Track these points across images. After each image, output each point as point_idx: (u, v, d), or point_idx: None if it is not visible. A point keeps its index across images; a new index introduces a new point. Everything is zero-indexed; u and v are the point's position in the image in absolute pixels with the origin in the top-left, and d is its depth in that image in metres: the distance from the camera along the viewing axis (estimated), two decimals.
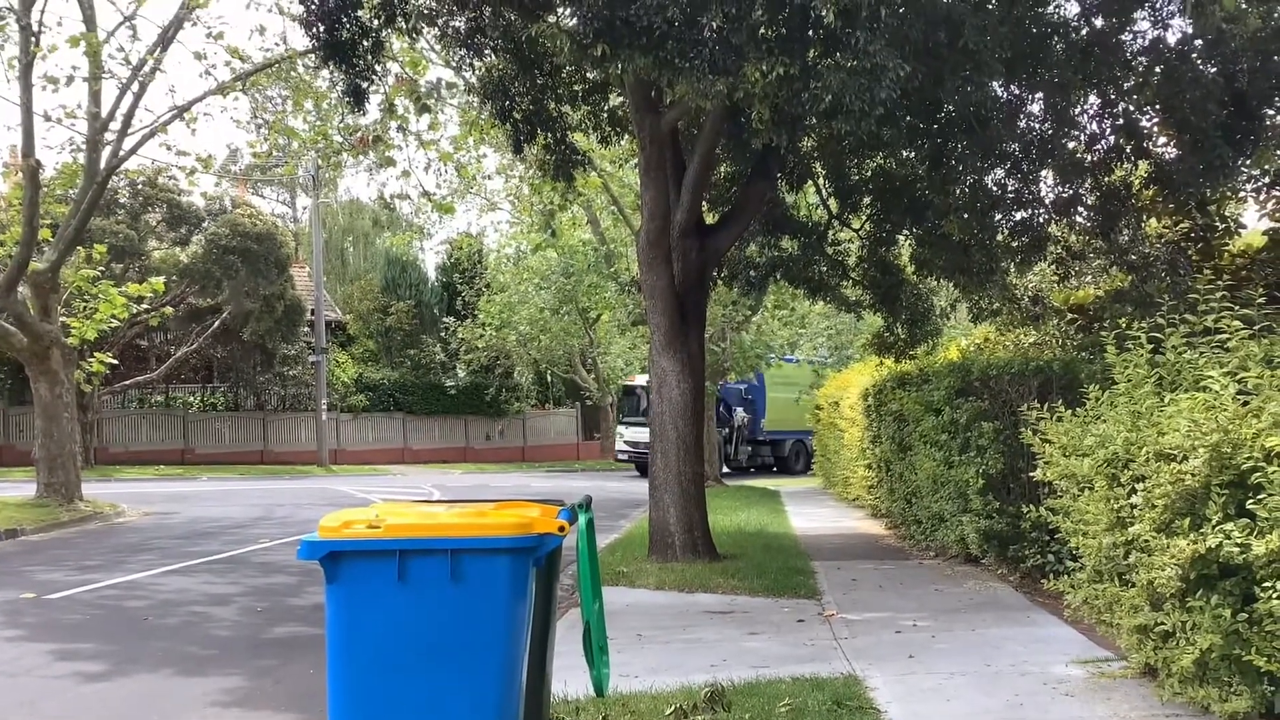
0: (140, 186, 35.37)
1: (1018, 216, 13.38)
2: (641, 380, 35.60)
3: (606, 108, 15.44)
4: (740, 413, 37.86)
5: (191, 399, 41.89)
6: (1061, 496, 7.37)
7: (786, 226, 15.93)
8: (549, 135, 14.63)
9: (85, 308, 22.22)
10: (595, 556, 5.59)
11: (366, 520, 4.18)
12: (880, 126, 9.23)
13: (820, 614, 10.17)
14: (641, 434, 33.40)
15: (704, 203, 16.40)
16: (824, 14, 8.03)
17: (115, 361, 26.56)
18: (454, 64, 15.96)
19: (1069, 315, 15.60)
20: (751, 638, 9.21)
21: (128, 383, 37.15)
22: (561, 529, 4.30)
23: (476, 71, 14.80)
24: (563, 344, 40.46)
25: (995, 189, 13.70)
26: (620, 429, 37.59)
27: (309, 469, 38.53)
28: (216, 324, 36.77)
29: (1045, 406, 7.76)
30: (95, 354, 23.57)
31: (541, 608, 5.15)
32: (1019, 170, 12.71)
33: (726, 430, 36.35)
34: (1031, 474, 8.57)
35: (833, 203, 16.46)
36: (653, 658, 8.44)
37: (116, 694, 7.70)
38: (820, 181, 16.32)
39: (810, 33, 8.61)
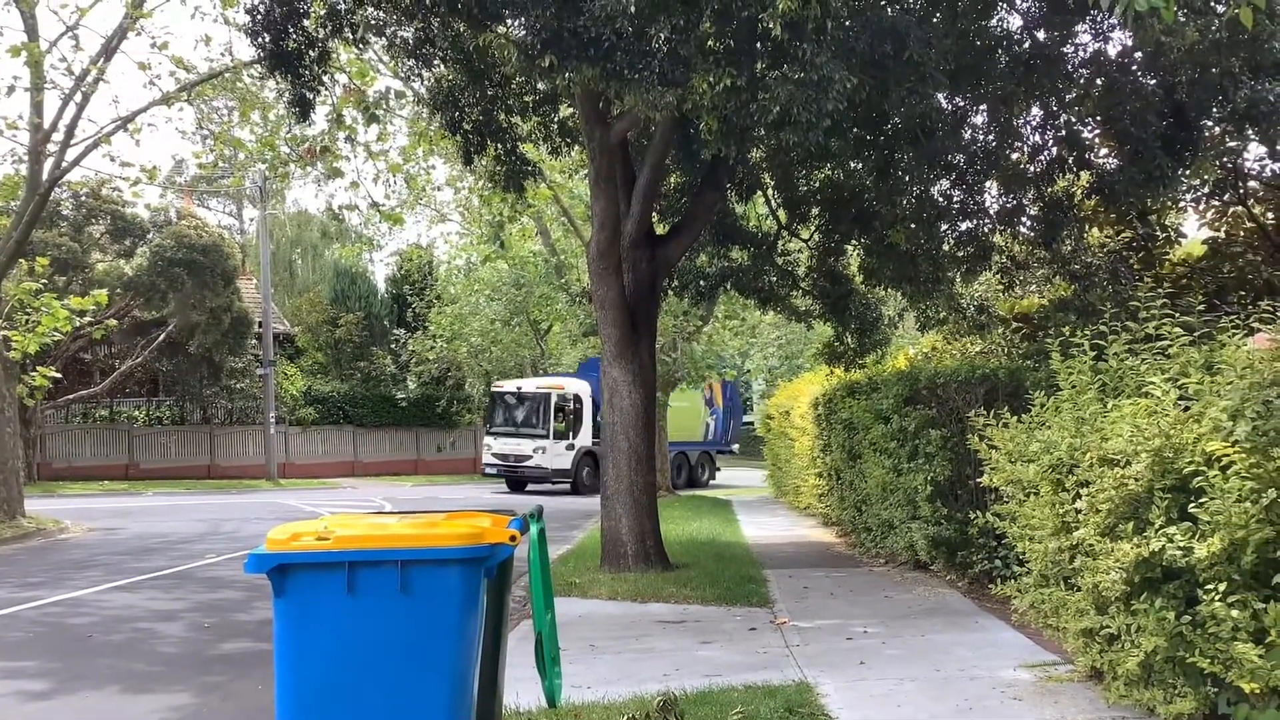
0: (84, 198, 34.86)
1: (963, 227, 13.55)
2: (511, 385, 34.47)
3: (556, 119, 15.46)
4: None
5: (136, 413, 41.29)
6: (1008, 502, 7.46)
7: (736, 237, 16.03)
8: (499, 146, 14.63)
9: (27, 321, 21.85)
10: (547, 567, 5.58)
11: (315, 532, 4.15)
12: (828, 138, 9.32)
13: (772, 622, 10.21)
14: (514, 446, 32.49)
15: (654, 213, 16.47)
16: (771, 26, 8.10)
17: (58, 375, 26.10)
18: (403, 74, 15.90)
19: (1014, 324, 15.81)
20: (704, 646, 9.23)
21: (71, 397, 36.55)
22: (513, 538, 4.29)
23: (425, 82, 14.77)
24: (514, 355, 40.35)
25: (941, 199, 13.87)
26: (487, 440, 34.10)
27: (257, 483, 38.11)
28: (162, 337, 36.29)
29: (991, 413, 7.85)
30: (38, 368, 23.16)
31: (493, 618, 5.14)
32: (964, 181, 12.87)
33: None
34: (979, 480, 8.67)
35: (782, 213, 16.57)
36: (605, 668, 8.43)
37: (61, 713, 7.57)
38: (769, 192, 16.42)
39: (758, 45, 8.68)
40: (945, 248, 13.92)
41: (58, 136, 19.60)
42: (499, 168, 15.00)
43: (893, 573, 12.97)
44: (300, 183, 39.21)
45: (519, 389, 33.90)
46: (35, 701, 7.83)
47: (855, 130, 12.19)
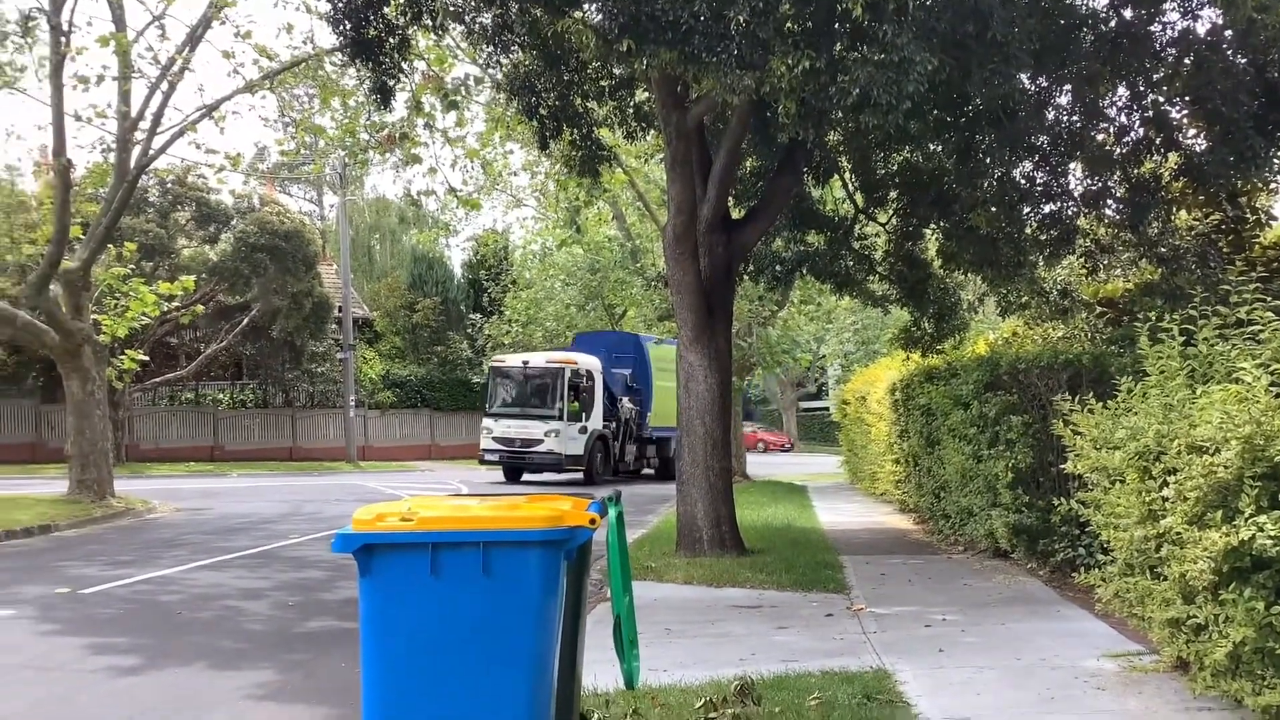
0: (170, 185, 35.64)
1: (1046, 209, 13.31)
2: (516, 360, 30.52)
3: (633, 103, 15.45)
4: (627, 404, 31.16)
5: (221, 396, 42.18)
6: (1093, 490, 7.33)
7: (813, 221, 15.92)
8: (575, 131, 14.67)
9: (116, 305, 22.40)
10: (625, 551, 5.61)
11: (399, 514, 4.21)
12: (908, 120, 9.21)
13: (849, 608, 10.15)
14: (520, 429, 28.80)
15: (730, 197, 16.43)
16: (851, 7, 8.02)
17: (146, 359, 26.76)
18: (481, 61, 16.00)
19: (1098, 308, 15.51)
20: (780, 632, 9.21)
21: (158, 380, 37.43)
22: (592, 522, 4.32)
23: (503, 68, 14.85)
24: None
25: (1024, 182, 13.63)
26: (487, 423, 29.72)
27: (337, 465, 38.73)
28: (245, 321, 37.02)
29: (1076, 399, 7.72)
30: (126, 351, 23.76)
31: (572, 601, 5.17)
32: (1048, 163, 12.64)
33: (614, 424, 30.62)
34: (1062, 467, 8.53)
35: (859, 197, 16.42)
36: (681, 652, 8.45)
37: (149, 688, 7.76)
38: (847, 176, 16.28)
39: (837, 26, 8.59)
40: (1028, 231, 13.69)
41: (144, 125, 20.04)
42: (574, 153, 15.05)
43: (971, 560, 12.83)
44: (379, 169, 39.69)
45: (526, 364, 29.90)
46: (126, 677, 8.04)
47: (935, 112, 12.02)
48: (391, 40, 13.26)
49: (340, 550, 4.17)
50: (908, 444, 16.87)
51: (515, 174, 26.54)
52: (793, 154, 13.40)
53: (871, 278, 16.97)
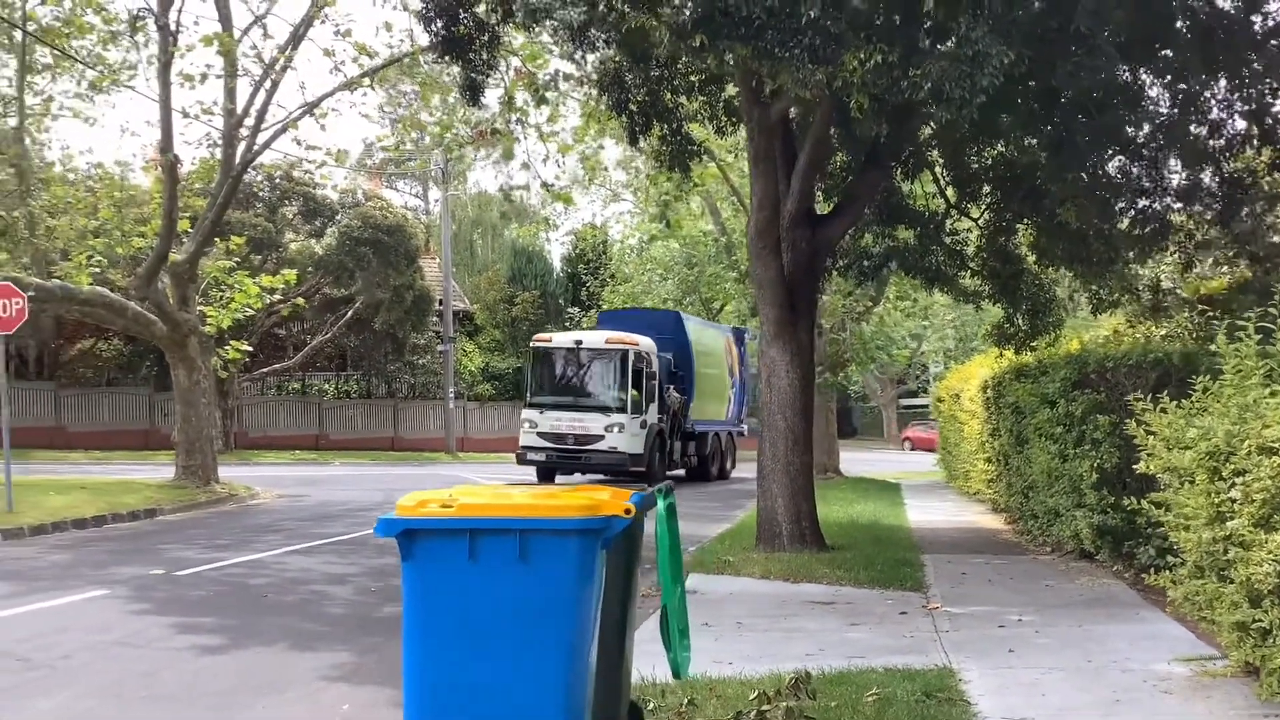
0: (278, 180, 36.61)
1: (1140, 204, 12.99)
2: (566, 339, 26.58)
3: (722, 98, 15.45)
4: (673, 393, 26.81)
5: (326, 386, 43.21)
6: (1165, 490, 7.19)
7: (902, 215, 15.73)
8: (664, 126, 14.70)
9: (222, 297, 23.10)
10: (678, 543, 5.66)
11: (441, 500, 4.33)
12: (983, 114, 9.08)
13: (924, 607, 10.07)
14: (574, 423, 24.54)
15: (818, 192, 16.33)
16: (925, 1, 7.95)
17: (250, 349, 27.56)
18: (567, 57, 16.14)
19: (1199, 306, 15.12)
20: (852, 628, 9.18)
21: (266, 370, 38.52)
22: (628, 511, 4.38)
23: (590, 64, 14.96)
24: None
25: (1118, 175, 13.34)
26: (529, 414, 25.15)
27: (437, 456, 39.39)
28: (349, 314, 37.87)
29: (1150, 398, 7.57)
30: (231, 342, 24.50)
31: (618, 590, 5.24)
32: (1140, 156, 12.33)
33: (664, 417, 26.21)
34: (1134, 467, 8.36)
35: (951, 191, 16.20)
36: (750, 645, 8.48)
37: (231, 666, 8.05)
38: (938, 170, 16.07)
39: (912, 20, 8.51)
40: (1121, 226, 13.38)
41: (249, 121, 20.62)
42: (664, 148, 15.09)
43: (1057, 562, 12.60)
44: (481, 164, 40.20)
45: (579, 344, 25.62)
46: (209, 655, 8.35)
47: (1024, 104, 11.83)
48: (482, 38, 13.45)
49: (383, 534, 4.31)
50: (998, 442, 16.62)
51: (607, 169, 26.72)
52: (879, 149, 13.28)
53: (963, 273, 16.71)
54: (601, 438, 24.40)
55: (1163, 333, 15.88)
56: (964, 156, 15.41)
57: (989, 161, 15.50)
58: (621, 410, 24.54)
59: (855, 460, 37.89)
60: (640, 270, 37.20)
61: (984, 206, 16.19)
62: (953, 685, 6.99)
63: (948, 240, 16.39)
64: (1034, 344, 16.17)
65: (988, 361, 19.46)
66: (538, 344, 26.31)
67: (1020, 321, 16.24)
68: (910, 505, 20.80)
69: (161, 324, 20.96)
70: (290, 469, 31.27)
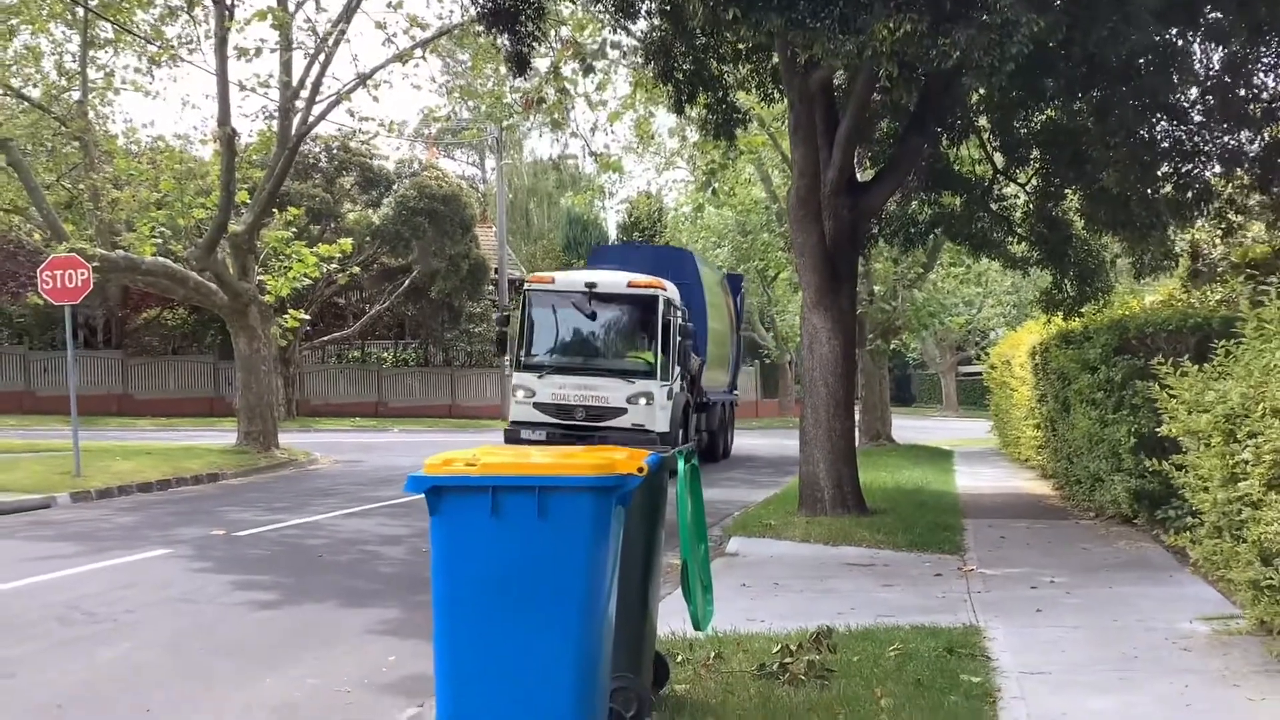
0: (335, 151, 37.12)
1: (1183, 169, 12.92)
2: (573, 279, 20.39)
3: (769, 65, 15.52)
4: (695, 359, 21.63)
5: (385, 354, 43.87)
6: (1185, 453, 7.30)
7: (948, 182, 15.74)
8: (710, 94, 14.81)
9: (281, 267, 23.60)
10: (700, 503, 5.90)
11: (466, 459, 4.59)
12: (1022, 80, 9.15)
13: (959, 569, 10.23)
14: (579, 390, 19.34)
15: (864, 159, 16.39)
16: None
17: (308, 317, 28.13)
18: (613, 27, 16.27)
19: (1247, 271, 15.01)
20: (885, 589, 9.37)
21: (325, 339, 39.20)
22: (641, 470, 4.60)
23: (637, 33, 15.10)
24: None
25: (1163, 140, 13.27)
26: (523, 379, 19.70)
27: (493, 423, 39.77)
28: (406, 283, 38.38)
29: (1170, 361, 7.66)
30: (291, 310, 25.03)
31: (639, 548, 5.49)
32: (1183, 120, 12.28)
33: (685, 385, 21.09)
34: (1157, 430, 8.45)
35: (998, 157, 16.18)
36: (784, 605, 8.71)
37: (284, 621, 8.43)
38: (985, 135, 16.05)
39: None
40: (1164, 191, 13.33)
41: (304, 94, 21.00)
42: (710, 116, 15.20)
43: (1099, 526, 12.68)
44: (538, 133, 40.43)
45: (593, 287, 19.62)
46: (263, 610, 8.74)
47: (1066, 69, 11.82)
48: (528, 9, 13.63)
49: (412, 490, 4.57)
50: (1046, 408, 16.65)
51: (654, 137, 26.71)
52: (922, 115, 13.32)
53: (1010, 239, 16.70)
54: (623, 411, 19.09)
55: (1217, 298, 15.80)
56: (1012, 121, 15.39)
57: (1037, 126, 15.48)
58: (649, 375, 19.26)
59: (911, 427, 37.84)
60: (694, 238, 37.29)
61: (1032, 172, 16.16)
62: (976, 642, 7.17)
63: (995, 206, 16.40)
64: (1082, 309, 16.18)
65: (1037, 327, 19.44)
66: (535, 287, 20.16)
67: (1069, 287, 16.22)
68: (960, 471, 20.85)
69: (222, 293, 21.49)
70: (349, 435, 31.89)
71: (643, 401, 19.16)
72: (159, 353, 39.88)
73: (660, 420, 19.26)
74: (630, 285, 19.61)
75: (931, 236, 16.91)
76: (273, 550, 11.57)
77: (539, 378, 19.44)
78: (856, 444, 14.46)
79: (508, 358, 22.18)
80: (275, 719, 6.04)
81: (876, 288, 27.74)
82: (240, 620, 8.42)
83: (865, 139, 15.13)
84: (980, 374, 52.99)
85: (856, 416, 20.33)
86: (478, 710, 4.53)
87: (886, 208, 15.66)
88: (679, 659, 6.60)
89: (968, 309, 34.05)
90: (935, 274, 29.28)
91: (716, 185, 24.66)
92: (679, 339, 19.92)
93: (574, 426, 19.01)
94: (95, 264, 17.71)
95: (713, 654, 6.70)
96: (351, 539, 12.45)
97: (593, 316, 19.89)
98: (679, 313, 20.34)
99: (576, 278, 20.32)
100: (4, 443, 22.36)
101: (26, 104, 21.65)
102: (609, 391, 19.22)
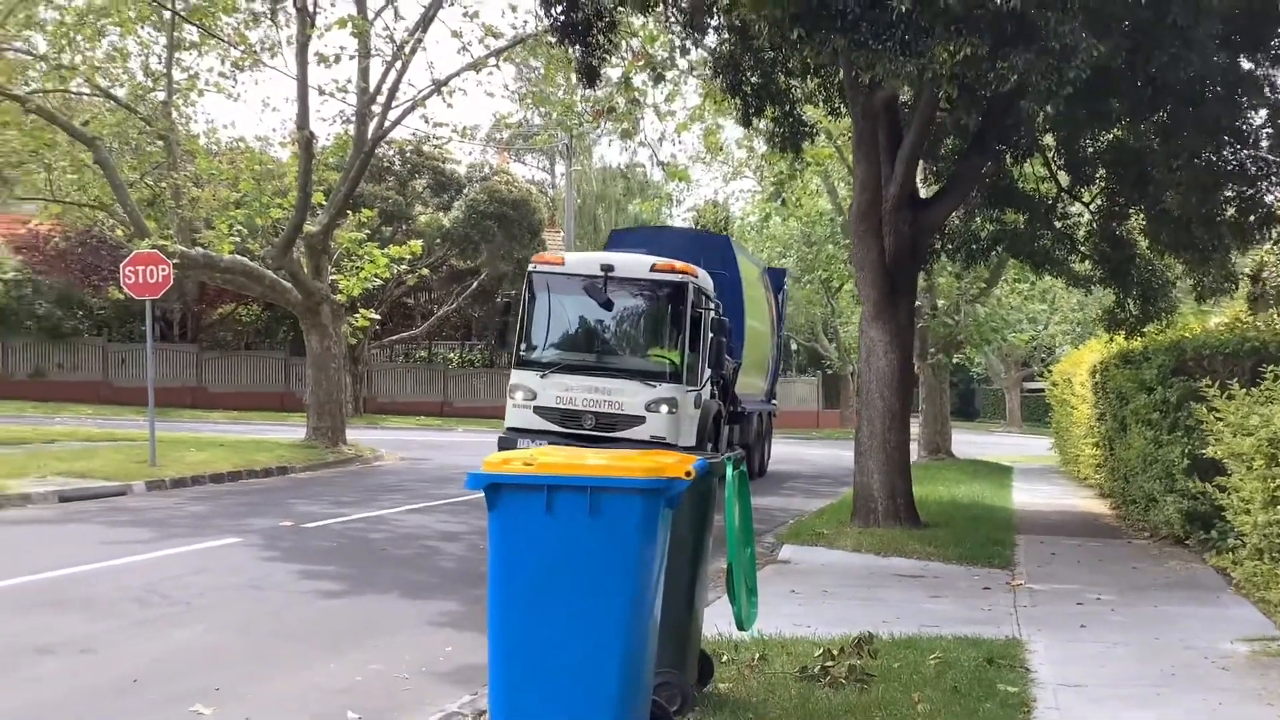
0: (409, 155, 37.80)
1: (1246, 192, 12.92)
2: (587, 261, 17.37)
3: (835, 80, 15.69)
4: (729, 361, 19.11)
5: (451, 355, 44.51)
6: (1231, 475, 7.40)
7: (1010, 199, 15.81)
8: (778, 108, 15.02)
9: (353, 267, 24.16)
10: (748, 508, 6.14)
11: (523, 459, 4.87)
12: (1083, 102, 9.27)
13: (1008, 583, 10.35)
14: (589, 393, 16.47)
15: (929, 175, 16.50)
16: None
17: (378, 317, 28.69)
18: (680, 43, 16.53)
19: None
20: (932, 600, 9.53)
21: (394, 338, 39.89)
22: (688, 474, 4.85)
23: (705, 47, 15.34)
24: (805, 312, 40.69)
25: (1230, 162, 13.26)
26: (522, 378, 16.87)
27: None
28: (474, 285, 38.95)
29: (1218, 384, 7.76)
30: (361, 310, 25.59)
31: (687, 550, 5.75)
32: (1247, 144, 12.29)
33: (717, 390, 18.48)
34: (1201, 453, 8.53)
35: (1063, 175, 16.22)
36: (832, 612, 8.90)
37: (347, 610, 8.80)
38: (1049, 154, 16.10)
39: (1000, 10, 8.72)
40: (1228, 214, 13.32)
41: (380, 99, 21.51)
42: (777, 129, 15.41)
43: (1151, 546, 12.70)
44: (607, 140, 40.74)
45: (609, 270, 16.66)
46: (328, 599, 9.11)
47: (1129, 91, 11.89)
48: (600, 22, 13.93)
49: (471, 487, 4.86)
50: (1104, 427, 16.65)
51: (722, 148, 26.92)
52: (985, 133, 13.45)
53: (1073, 257, 16.73)
54: (640, 420, 16.28)
55: None
56: (1077, 141, 15.43)
57: (1103, 146, 15.50)
58: (672, 379, 16.45)
59: (972, 442, 37.64)
60: (760, 248, 37.45)
61: (1096, 191, 16.18)
62: (1017, 654, 7.33)
63: (1058, 224, 16.44)
64: (1145, 329, 16.15)
65: (1099, 346, 19.40)
66: (541, 269, 17.21)
67: (1132, 306, 16.21)
68: (1017, 488, 20.83)
69: (296, 291, 22.07)
70: (415, 433, 32.43)
71: (664, 409, 16.24)
72: (233, 348, 40.82)
73: (685, 432, 16.47)
74: (654, 270, 16.68)
75: (994, 253, 16.94)
76: (338, 542, 11.97)
77: (541, 377, 16.61)
78: (914, 457, 14.59)
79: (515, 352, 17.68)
80: (337, 701, 6.36)
81: (940, 302, 27.73)
82: (306, 607, 8.79)
83: (929, 155, 15.26)
84: (1037, 390, 52.54)
85: (915, 430, 20.35)
86: (527, 696, 4.80)
87: (949, 223, 15.77)
88: (724, 659, 6.83)
89: (1032, 325, 33.80)
90: (999, 289, 29.18)
91: (785, 196, 24.75)
92: (711, 336, 17.10)
93: (581, 438, 15.93)
94: (175, 260, 18.29)
95: (757, 655, 6.92)
96: (413, 534, 12.83)
97: (608, 306, 16.82)
98: (712, 305, 17.58)
99: (591, 259, 17.46)
100: (83, 431, 23.14)
101: (113, 103, 22.36)
102: (625, 396, 16.36)
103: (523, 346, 17.13)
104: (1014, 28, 8.59)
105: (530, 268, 17.48)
